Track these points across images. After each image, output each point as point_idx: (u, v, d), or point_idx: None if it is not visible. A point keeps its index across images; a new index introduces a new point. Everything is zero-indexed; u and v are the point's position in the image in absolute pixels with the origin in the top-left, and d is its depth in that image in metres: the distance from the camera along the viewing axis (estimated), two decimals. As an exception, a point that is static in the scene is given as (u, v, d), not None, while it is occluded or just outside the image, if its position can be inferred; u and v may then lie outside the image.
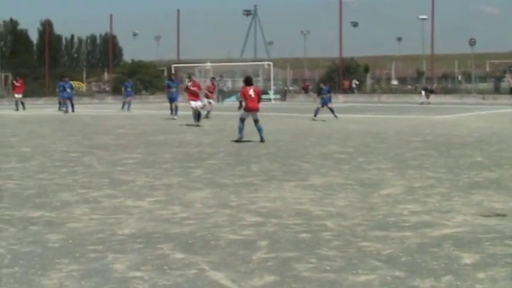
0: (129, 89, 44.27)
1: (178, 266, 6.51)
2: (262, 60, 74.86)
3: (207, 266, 6.48)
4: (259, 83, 72.19)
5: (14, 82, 46.37)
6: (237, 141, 19.77)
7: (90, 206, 9.71)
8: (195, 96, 28.33)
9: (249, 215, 9.04)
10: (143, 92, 70.09)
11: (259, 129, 20.03)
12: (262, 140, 19.60)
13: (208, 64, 73.48)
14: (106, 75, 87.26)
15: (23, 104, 42.85)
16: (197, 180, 12.20)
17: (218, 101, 53.64)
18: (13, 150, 17.79)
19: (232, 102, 57.30)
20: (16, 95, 44.14)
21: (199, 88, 29.40)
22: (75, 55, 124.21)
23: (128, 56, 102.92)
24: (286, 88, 72.72)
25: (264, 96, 58.19)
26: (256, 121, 20.31)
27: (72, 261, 6.70)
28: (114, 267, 6.49)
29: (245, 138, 19.73)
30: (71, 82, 46.35)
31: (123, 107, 42.90)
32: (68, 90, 41.69)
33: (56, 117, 35.44)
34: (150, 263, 6.63)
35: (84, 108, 45.92)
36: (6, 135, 23.10)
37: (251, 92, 20.63)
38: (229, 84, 74.88)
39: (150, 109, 43.02)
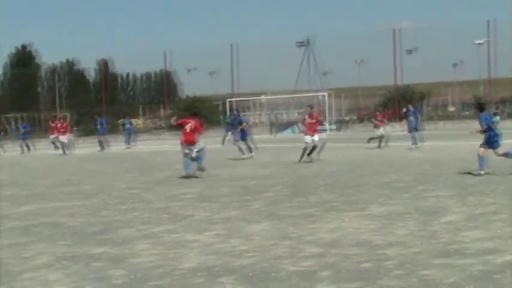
0: (104, 126, 43.83)
1: (240, 298, 6.55)
2: (317, 90, 74.92)
3: (268, 298, 6.50)
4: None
5: (51, 123, 46.81)
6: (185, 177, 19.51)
7: (151, 241, 9.81)
8: (312, 130, 25.06)
9: (309, 246, 9.04)
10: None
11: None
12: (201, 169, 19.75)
13: (263, 97, 73.81)
14: (162, 112, 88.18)
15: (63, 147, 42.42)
16: (255, 213, 12.24)
17: (271, 133, 53.79)
18: (75, 188, 18.07)
19: (287, 134, 57.44)
20: (51, 136, 44.74)
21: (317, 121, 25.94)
22: (131, 93, 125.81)
23: (186, 91, 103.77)
24: (342, 118, 72.58)
25: (319, 128, 58.36)
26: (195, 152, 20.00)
27: (135, 297, 6.78)
28: (177, 302, 6.55)
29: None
30: (131, 119, 47.60)
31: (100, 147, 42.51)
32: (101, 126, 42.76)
33: (114, 155, 35.86)
34: (211, 296, 6.68)
35: (142, 145, 46.43)
36: (67, 174, 23.47)
37: (187, 126, 20.27)
38: (284, 116, 75.09)
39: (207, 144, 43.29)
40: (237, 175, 20.07)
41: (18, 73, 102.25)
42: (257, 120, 70.82)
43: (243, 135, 28.47)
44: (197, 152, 20.04)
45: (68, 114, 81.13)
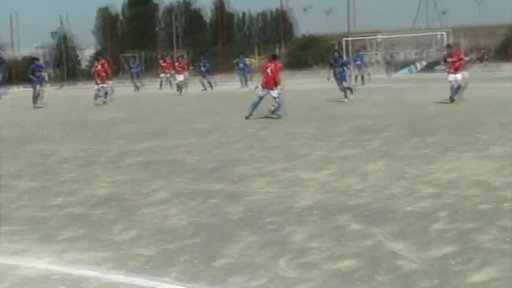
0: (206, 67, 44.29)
1: (355, 237, 6.56)
2: (435, 29, 73.11)
3: (384, 237, 6.48)
4: (432, 53, 70.75)
5: (161, 62, 47.38)
6: (247, 117, 19.88)
7: (266, 180, 9.90)
8: (454, 68, 23.93)
9: (426, 186, 8.94)
10: (314, 66, 70.32)
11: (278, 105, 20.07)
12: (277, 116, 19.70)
13: (380, 36, 72.71)
14: (277, 51, 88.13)
15: (170, 83, 43.69)
16: (372, 153, 12.17)
17: (387, 73, 53.05)
18: (191, 126, 18.35)
19: (404, 74, 56.56)
20: (162, 75, 45.22)
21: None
22: (247, 32, 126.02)
23: (301, 30, 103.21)
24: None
25: (437, 67, 57.17)
26: (274, 98, 20.27)
27: (251, 233, 6.88)
28: (292, 238, 6.61)
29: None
30: (246, 59, 47.86)
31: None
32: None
33: (231, 94, 36.16)
34: (327, 234, 6.71)
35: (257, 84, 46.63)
36: (181, 113, 23.85)
37: (268, 70, 20.60)
38: (402, 56, 73.80)
39: (321, 83, 43.08)
40: (353, 114, 19.94)
41: (136, 12, 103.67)
42: (373, 60, 69.86)
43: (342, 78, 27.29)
44: (277, 96, 20.26)
45: (184, 53, 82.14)
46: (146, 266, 5.88)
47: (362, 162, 11.17)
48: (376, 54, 75.37)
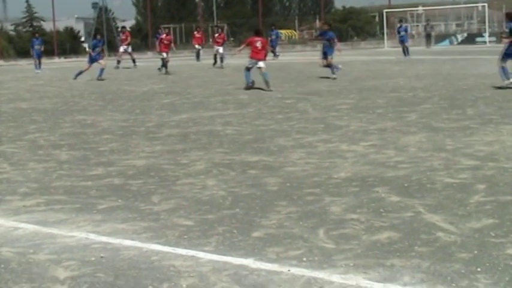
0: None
1: (394, 208, 6.53)
2: (476, 1, 72.25)
3: (423, 209, 6.45)
4: (473, 25, 69.90)
5: (195, 33, 46.81)
6: (246, 88, 20.72)
7: (305, 151, 9.89)
8: None
9: (465, 158, 8.88)
10: (355, 38, 69.92)
11: (263, 75, 20.84)
12: (267, 86, 20.39)
13: (421, 8, 71.97)
14: (318, 23, 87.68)
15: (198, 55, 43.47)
16: (411, 125, 12.09)
17: (427, 45, 52.54)
18: (231, 98, 18.37)
19: (444, 46, 55.98)
20: (197, 46, 44.87)
21: None
22: (287, 4, 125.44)
23: (342, 2, 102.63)
24: (502, 30, 69.92)
25: (478, 39, 56.57)
26: (259, 68, 21.11)
27: (290, 204, 6.88)
28: (331, 210, 6.60)
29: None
30: (280, 31, 47.93)
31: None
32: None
33: (271, 65, 36.10)
34: (366, 205, 6.69)
35: (297, 56, 46.54)
36: (224, 84, 23.86)
37: (258, 43, 21.42)
38: (442, 28, 73.07)
39: (361, 55, 42.78)
40: (392, 86, 19.81)
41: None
42: (414, 32, 69.29)
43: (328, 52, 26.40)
44: (263, 66, 21.22)
45: (225, 25, 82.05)
46: (185, 236, 5.91)
47: (401, 134, 11.11)
48: (417, 26, 74.68)
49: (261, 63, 21.19)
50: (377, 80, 22.71)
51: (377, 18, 77.16)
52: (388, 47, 58.02)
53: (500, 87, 17.58)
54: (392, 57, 31.91)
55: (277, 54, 42.86)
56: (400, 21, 48.45)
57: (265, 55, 22.03)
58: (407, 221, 6.10)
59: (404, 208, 6.53)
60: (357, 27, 73.58)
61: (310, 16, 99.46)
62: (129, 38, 40.07)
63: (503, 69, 18.22)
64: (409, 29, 46.30)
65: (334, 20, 73.54)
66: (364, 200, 6.89)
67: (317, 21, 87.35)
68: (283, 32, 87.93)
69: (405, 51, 36.93)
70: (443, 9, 77.68)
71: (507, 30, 18.88)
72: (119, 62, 38.26)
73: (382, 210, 6.49)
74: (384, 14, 63.34)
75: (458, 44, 57.42)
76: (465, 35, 61.14)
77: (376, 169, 8.42)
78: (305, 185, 7.69)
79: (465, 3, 74.26)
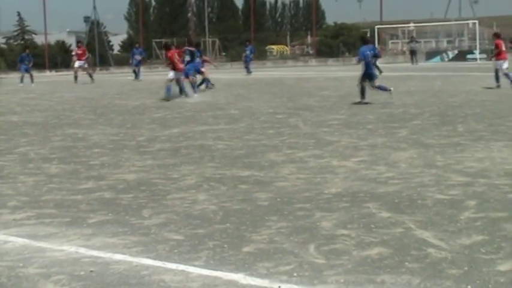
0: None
1: (385, 224, 6.54)
2: (467, 19, 72.62)
3: (414, 225, 6.46)
4: (463, 42, 70.23)
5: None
6: (165, 100, 22.92)
7: (296, 166, 9.90)
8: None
9: (456, 174, 8.90)
10: (346, 54, 70.15)
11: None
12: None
13: (412, 25, 72.35)
14: (309, 39, 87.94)
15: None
16: (402, 141, 12.12)
17: (412, 62, 52.80)
18: (222, 113, 18.38)
19: (435, 63, 56.20)
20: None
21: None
22: (279, 19, 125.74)
23: (333, 18, 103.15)
24: (492, 47, 70.26)
25: (469, 56, 56.80)
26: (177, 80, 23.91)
27: (280, 219, 6.88)
28: (322, 225, 6.60)
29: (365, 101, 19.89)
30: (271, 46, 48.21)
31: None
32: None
33: (262, 81, 36.16)
34: (356, 221, 6.70)
35: (289, 71, 46.61)
36: (216, 98, 23.87)
37: (176, 55, 24.36)
38: (433, 44, 73.40)
39: (352, 71, 42.91)
40: (383, 102, 19.85)
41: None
42: (405, 48, 69.59)
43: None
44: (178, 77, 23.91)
45: (216, 39, 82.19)
46: (175, 251, 5.91)
47: (392, 150, 11.13)
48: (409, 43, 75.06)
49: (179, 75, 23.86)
50: (368, 95, 22.70)
51: (368, 34, 77.49)
52: (379, 63, 58.21)
53: None
54: (384, 73, 31.93)
55: (250, 71, 42.77)
56: (412, 36, 49.60)
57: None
58: (397, 237, 6.11)
59: (394, 224, 6.53)
60: (349, 43, 73.80)
61: (301, 31, 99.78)
62: (86, 53, 39.62)
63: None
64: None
65: (326, 36, 73.96)
66: (355, 216, 6.90)
67: (308, 36, 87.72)
68: (275, 48, 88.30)
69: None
70: (434, 26, 78.11)
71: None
72: (76, 77, 37.79)
73: (372, 225, 6.49)
74: (376, 30, 63.58)
75: (449, 60, 57.66)
76: (456, 51, 61.42)
77: (367, 185, 8.43)
78: (296, 200, 7.69)
79: (456, 20, 74.68)
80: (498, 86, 23.88)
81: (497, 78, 24.28)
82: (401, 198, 7.64)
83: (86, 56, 39.17)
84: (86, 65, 38.86)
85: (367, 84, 19.71)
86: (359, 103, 19.55)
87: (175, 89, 23.95)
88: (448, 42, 76.92)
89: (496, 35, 26.62)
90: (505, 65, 24.36)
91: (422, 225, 6.46)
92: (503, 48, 24.89)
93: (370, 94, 20.51)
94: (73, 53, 41.68)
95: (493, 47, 25.48)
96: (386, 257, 5.57)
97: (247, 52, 44.27)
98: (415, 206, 7.23)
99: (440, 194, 7.80)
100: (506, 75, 23.98)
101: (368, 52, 19.88)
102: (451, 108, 17.65)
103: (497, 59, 24.79)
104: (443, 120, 14.93)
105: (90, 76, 37.90)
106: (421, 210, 7.03)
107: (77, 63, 39.18)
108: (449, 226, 6.40)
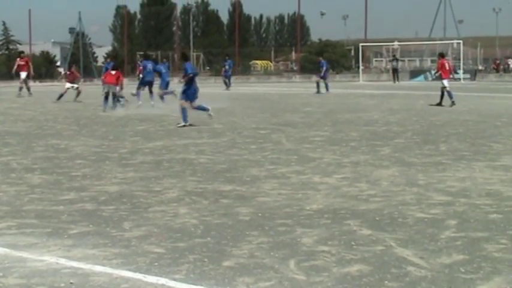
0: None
1: (366, 242, 6.55)
2: (451, 39, 73.05)
3: (394, 243, 6.48)
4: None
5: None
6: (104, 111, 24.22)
7: (278, 181, 9.91)
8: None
9: (437, 194, 8.93)
10: (330, 71, 70.37)
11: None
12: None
13: (396, 43, 72.72)
14: (294, 55, 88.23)
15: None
16: (384, 159, 12.16)
17: (394, 80, 53.11)
18: (205, 127, 18.37)
19: (419, 82, 56.49)
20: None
21: None
22: (264, 35, 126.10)
23: (317, 35, 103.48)
24: (476, 67, 70.72)
25: (453, 75, 57.11)
26: (113, 94, 25.03)
27: (261, 234, 6.89)
28: (302, 241, 6.61)
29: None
30: (256, 61, 48.53)
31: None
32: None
33: (245, 96, 36.20)
34: (337, 238, 6.71)
35: (272, 87, 46.70)
36: (199, 112, 23.82)
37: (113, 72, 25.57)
38: (417, 63, 73.80)
39: (336, 88, 43.06)
40: (366, 120, 19.93)
41: (153, 12, 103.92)
42: (388, 66, 69.94)
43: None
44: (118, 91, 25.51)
45: (201, 54, 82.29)
46: (156, 264, 5.90)
47: (374, 167, 11.16)
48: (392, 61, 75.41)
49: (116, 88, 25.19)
50: (351, 113, 22.82)
51: (353, 52, 77.83)
52: (363, 81, 58.46)
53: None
54: (367, 91, 32.09)
55: (229, 85, 43.31)
56: (394, 55, 49.98)
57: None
58: (378, 254, 6.13)
59: (375, 241, 6.55)
60: (333, 60, 74.09)
61: (286, 47, 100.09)
62: (29, 64, 37.77)
63: None
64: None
65: (310, 53, 74.19)
66: (336, 233, 6.91)
67: (293, 52, 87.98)
68: (259, 63, 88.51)
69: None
70: (418, 44, 78.52)
71: None
72: (21, 88, 36.66)
73: (353, 243, 6.50)
74: (360, 47, 63.88)
75: (433, 79, 57.89)
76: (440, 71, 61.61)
77: (348, 202, 8.45)
78: (277, 216, 7.70)
79: (441, 39, 75.11)
80: (453, 103, 25.45)
81: (449, 95, 25.96)
82: (383, 216, 7.66)
83: (29, 67, 37.19)
84: (24, 76, 36.86)
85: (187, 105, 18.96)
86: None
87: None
88: (432, 61, 77.31)
89: (441, 55, 28.89)
90: (447, 83, 26.55)
91: (402, 243, 6.48)
92: (447, 68, 27.28)
93: (354, 111, 20.58)
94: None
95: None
96: (366, 274, 5.58)
97: (227, 67, 44.60)
98: (396, 224, 7.25)
99: (422, 212, 7.83)
100: (448, 92, 26.06)
101: None
102: (434, 127, 17.73)
103: (443, 78, 26.88)
104: (426, 139, 15.00)
105: (28, 89, 36.34)
106: (402, 229, 7.05)
107: (22, 75, 37.18)
108: (429, 245, 6.42)
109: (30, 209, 8.17)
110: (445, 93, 26.11)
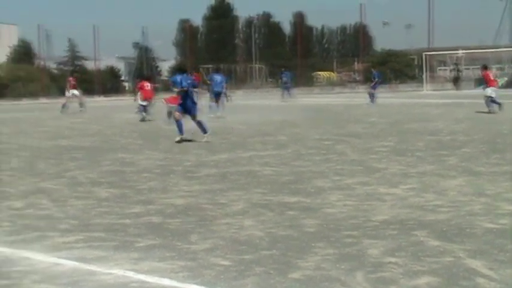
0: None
1: (433, 253, 6.47)
2: (517, 45, 71.96)
3: (463, 254, 6.38)
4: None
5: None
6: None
7: (344, 193, 9.85)
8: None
9: (506, 203, 8.77)
10: (393, 80, 69.91)
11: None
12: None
13: (461, 51, 71.84)
14: (356, 65, 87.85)
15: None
16: (451, 168, 12.00)
17: (456, 88, 52.50)
18: (269, 138, 18.40)
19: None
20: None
21: None
22: (326, 45, 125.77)
23: (380, 45, 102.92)
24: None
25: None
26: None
27: (327, 245, 6.85)
28: (369, 252, 6.55)
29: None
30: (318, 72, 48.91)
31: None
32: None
33: (309, 107, 36.17)
34: (404, 249, 6.63)
35: (336, 98, 46.57)
36: (264, 124, 23.92)
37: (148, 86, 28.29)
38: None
39: (400, 98, 42.74)
40: (432, 129, 19.72)
41: (216, 25, 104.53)
42: (451, 75, 69.18)
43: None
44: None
45: (263, 66, 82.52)
46: (221, 276, 5.90)
47: (441, 177, 11.03)
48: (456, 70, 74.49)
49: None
50: (416, 123, 22.62)
51: (416, 61, 77.16)
52: (428, 90, 57.89)
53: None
54: (431, 100, 31.78)
55: (288, 97, 43.66)
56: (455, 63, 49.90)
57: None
58: (446, 265, 6.04)
59: (443, 252, 6.46)
60: (396, 69, 73.60)
61: (348, 58, 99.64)
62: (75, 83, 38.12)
63: None
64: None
65: (373, 62, 73.79)
66: (403, 244, 6.83)
67: (355, 63, 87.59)
68: (322, 74, 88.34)
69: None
70: (483, 52, 77.44)
71: None
72: (64, 105, 36.98)
73: (420, 254, 6.42)
74: (424, 56, 63.30)
75: (499, 87, 57.08)
76: (506, 78, 60.75)
77: (415, 212, 8.36)
78: (343, 227, 7.66)
79: (505, 46, 74.01)
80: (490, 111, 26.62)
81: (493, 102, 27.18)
82: (450, 226, 7.56)
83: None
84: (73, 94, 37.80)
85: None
86: None
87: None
88: (498, 69, 76.19)
89: (484, 67, 30.39)
90: (491, 92, 27.71)
91: (471, 254, 6.37)
92: (491, 78, 28.82)
93: (419, 121, 20.39)
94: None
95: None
96: (435, 286, 5.50)
97: (284, 79, 44.81)
98: (464, 235, 7.14)
99: (490, 223, 7.70)
100: (493, 100, 27.37)
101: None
102: (501, 136, 17.46)
103: (488, 87, 28.11)
104: (493, 148, 14.77)
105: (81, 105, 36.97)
106: (470, 239, 6.95)
107: (76, 91, 37.80)
108: (499, 255, 6.31)
109: (98, 223, 8.26)
110: (484, 101, 27.45)
